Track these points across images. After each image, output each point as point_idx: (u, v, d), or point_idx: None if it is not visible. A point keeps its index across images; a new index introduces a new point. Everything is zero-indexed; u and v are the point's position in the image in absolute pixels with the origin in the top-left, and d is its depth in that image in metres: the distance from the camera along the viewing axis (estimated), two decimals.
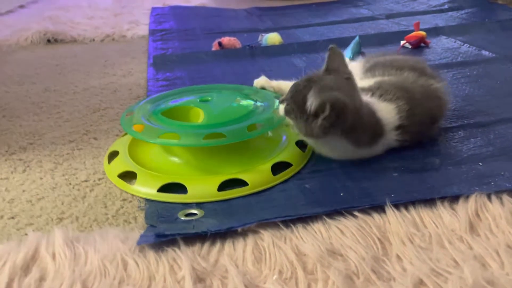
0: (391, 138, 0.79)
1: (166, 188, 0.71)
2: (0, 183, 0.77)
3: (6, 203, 0.72)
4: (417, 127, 0.80)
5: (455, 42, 1.42)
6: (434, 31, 1.51)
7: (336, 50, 0.78)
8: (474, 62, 1.24)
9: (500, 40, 1.43)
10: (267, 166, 0.75)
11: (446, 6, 1.86)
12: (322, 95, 0.71)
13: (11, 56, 1.54)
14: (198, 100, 0.85)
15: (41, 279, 0.51)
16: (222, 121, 0.77)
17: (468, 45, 1.37)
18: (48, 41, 1.68)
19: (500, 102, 0.99)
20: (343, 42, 1.31)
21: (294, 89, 0.76)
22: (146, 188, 0.72)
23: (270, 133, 0.86)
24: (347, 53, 1.28)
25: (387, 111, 0.78)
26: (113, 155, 0.82)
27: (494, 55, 1.28)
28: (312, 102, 0.71)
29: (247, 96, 0.87)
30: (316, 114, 0.71)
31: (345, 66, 0.78)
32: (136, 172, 0.74)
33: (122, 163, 0.78)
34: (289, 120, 0.77)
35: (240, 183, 0.72)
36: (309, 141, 0.79)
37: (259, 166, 0.75)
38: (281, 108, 0.77)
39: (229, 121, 0.77)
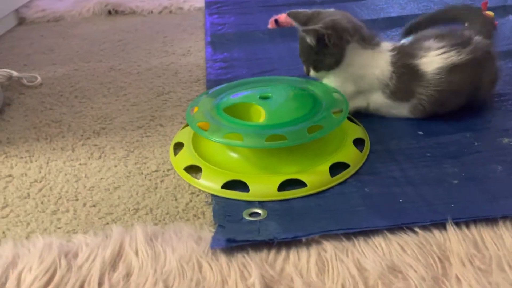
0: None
1: (231, 185, 0.76)
2: (79, 169, 0.85)
3: (87, 191, 0.79)
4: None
5: None
6: (503, 10, 1.42)
7: (292, 12, 0.92)
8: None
9: None
10: (325, 167, 0.77)
11: None
12: (307, 32, 0.86)
13: (76, 29, 1.60)
14: (258, 96, 0.87)
15: (127, 275, 0.58)
16: (283, 121, 0.80)
17: None
18: (109, 12, 1.73)
19: None
20: (404, 21, 1.27)
21: (300, 52, 0.93)
22: (211, 183, 0.77)
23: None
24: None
25: None
26: (177, 146, 0.87)
27: None
28: (309, 39, 0.86)
29: (306, 93, 0.88)
30: (320, 45, 0.86)
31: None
32: (201, 167, 0.79)
33: (188, 156, 0.83)
34: (322, 74, 0.92)
35: (299, 183, 0.75)
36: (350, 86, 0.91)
37: (318, 166, 0.78)
38: (312, 72, 0.92)
39: (289, 122, 0.79)
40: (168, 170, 0.83)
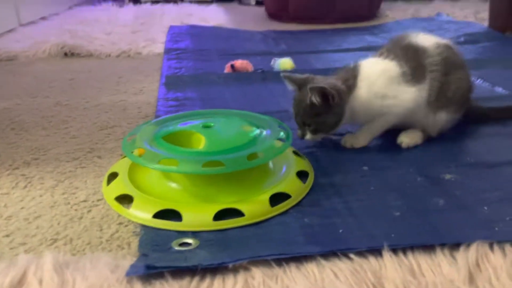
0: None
1: (163, 214, 0.71)
2: (0, 198, 0.78)
3: (3, 220, 0.72)
4: None
5: None
6: None
7: (287, 74, 0.93)
8: (488, 99, 1.21)
9: None
10: (265, 196, 0.74)
11: (462, 39, 1.85)
12: (312, 90, 0.86)
13: (27, 67, 1.57)
14: (201, 125, 0.85)
15: None
16: (222, 148, 0.77)
17: (482, 81, 1.36)
18: (65, 54, 1.71)
19: (510, 143, 0.96)
20: None
21: (296, 115, 0.92)
22: (141, 212, 0.72)
23: (271, 163, 0.85)
24: None
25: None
26: (113, 176, 0.82)
27: (508, 92, 1.26)
28: (314, 97, 0.86)
29: (251, 123, 0.87)
30: (322, 106, 0.87)
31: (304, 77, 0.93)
32: (133, 196, 0.74)
33: (120, 186, 0.78)
34: (316, 137, 0.92)
35: (237, 213, 0.71)
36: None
37: (257, 196, 0.74)
38: (309, 136, 0.91)
39: (229, 149, 0.77)
40: (98, 200, 0.78)
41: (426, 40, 0.95)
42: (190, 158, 0.75)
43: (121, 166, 0.84)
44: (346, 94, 0.90)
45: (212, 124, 0.85)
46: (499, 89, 1.28)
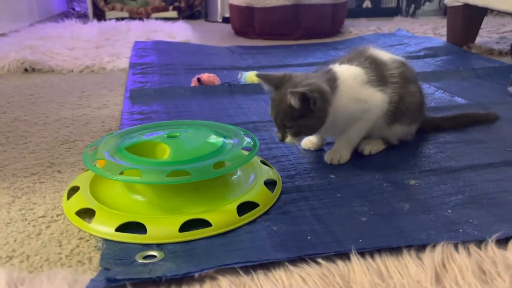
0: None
1: (127, 227, 0.68)
2: None
3: None
4: None
5: (429, 87, 1.45)
6: None
7: (262, 74, 0.88)
8: (448, 108, 1.26)
9: (473, 87, 1.47)
10: (233, 206, 0.73)
11: (422, 53, 1.92)
12: (293, 94, 0.80)
13: None
14: (165, 135, 0.83)
15: None
16: (188, 158, 0.75)
17: (442, 91, 1.40)
18: (26, 70, 1.66)
19: (471, 149, 0.99)
20: None
21: (275, 117, 0.86)
22: (103, 226, 0.69)
23: (238, 172, 0.84)
24: None
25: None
26: (74, 190, 0.79)
27: (466, 101, 1.31)
28: (294, 101, 0.80)
29: (218, 133, 0.86)
30: (304, 109, 0.81)
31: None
32: (95, 210, 0.71)
33: (81, 200, 0.75)
34: (297, 139, 0.87)
35: (205, 223, 0.70)
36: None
37: (224, 206, 0.73)
38: (289, 139, 0.86)
39: (195, 158, 0.75)
40: (58, 215, 0.74)
41: (383, 54, 0.97)
42: (154, 168, 0.73)
43: (82, 179, 0.81)
44: (330, 95, 0.85)
45: (178, 134, 0.83)
46: (458, 99, 1.33)
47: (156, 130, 0.88)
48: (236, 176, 0.83)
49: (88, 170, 0.84)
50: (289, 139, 0.86)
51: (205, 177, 0.73)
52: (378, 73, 0.92)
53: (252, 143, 0.83)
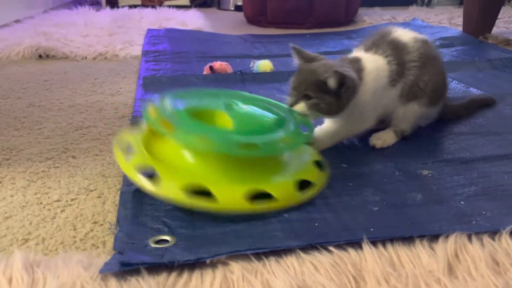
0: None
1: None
2: None
3: None
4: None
5: None
6: None
7: (297, 47, 0.89)
8: (462, 99, 1.24)
9: (488, 78, 1.44)
10: (292, 182, 0.73)
11: (437, 43, 1.88)
12: (337, 72, 0.81)
13: (0, 70, 1.53)
14: (223, 105, 0.81)
15: None
16: (252, 130, 0.75)
17: (457, 82, 1.38)
18: (40, 56, 1.68)
19: (485, 140, 0.98)
20: None
21: (297, 84, 0.85)
22: (171, 189, 0.67)
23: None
24: None
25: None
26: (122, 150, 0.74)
27: (482, 92, 1.29)
28: (333, 81, 0.81)
29: (268, 108, 0.85)
30: (336, 90, 0.82)
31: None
32: (159, 173, 0.69)
33: (143, 161, 0.71)
34: (309, 110, 0.84)
35: (267, 197, 0.69)
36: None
37: (285, 181, 0.73)
38: (302, 106, 0.84)
39: (259, 131, 0.75)
40: (72, 200, 0.75)
41: (406, 35, 0.96)
42: (225, 138, 0.72)
43: (131, 138, 0.76)
44: (359, 87, 0.86)
45: (234, 105, 0.82)
46: (474, 90, 1.31)
47: (208, 98, 0.86)
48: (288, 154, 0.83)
49: (139, 127, 0.82)
50: (300, 106, 0.84)
51: (275, 151, 0.73)
52: (397, 61, 0.91)
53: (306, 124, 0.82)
